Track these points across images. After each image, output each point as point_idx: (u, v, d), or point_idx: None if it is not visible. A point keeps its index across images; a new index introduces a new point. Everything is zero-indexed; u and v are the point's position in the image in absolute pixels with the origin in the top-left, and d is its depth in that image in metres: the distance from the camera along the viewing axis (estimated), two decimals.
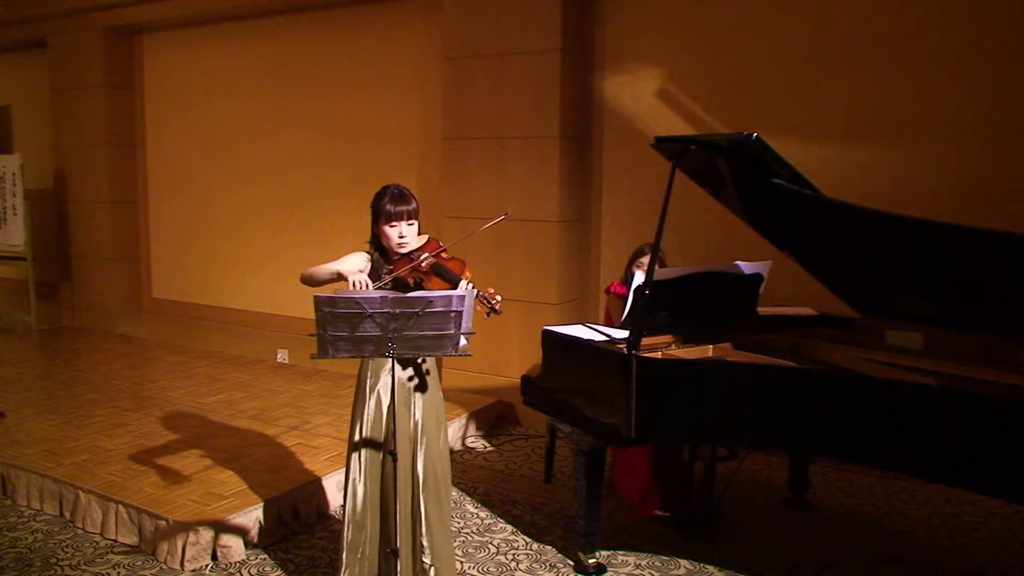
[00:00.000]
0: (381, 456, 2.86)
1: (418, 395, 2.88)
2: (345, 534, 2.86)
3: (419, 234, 2.92)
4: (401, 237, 2.83)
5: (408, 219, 2.84)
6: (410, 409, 2.86)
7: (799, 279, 3.68)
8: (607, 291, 4.21)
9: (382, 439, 2.85)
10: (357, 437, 2.88)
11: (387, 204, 2.83)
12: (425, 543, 2.84)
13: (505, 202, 5.36)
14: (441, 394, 2.99)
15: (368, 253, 2.91)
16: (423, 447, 2.86)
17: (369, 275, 2.82)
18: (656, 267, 3.17)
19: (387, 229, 2.83)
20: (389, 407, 2.80)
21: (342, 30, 6.50)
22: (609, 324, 3.78)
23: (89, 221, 7.95)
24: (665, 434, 3.20)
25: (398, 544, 2.74)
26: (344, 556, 2.86)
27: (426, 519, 2.84)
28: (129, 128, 7.89)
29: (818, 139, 4.64)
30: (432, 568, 2.85)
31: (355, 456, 2.88)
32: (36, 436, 4.65)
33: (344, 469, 2.96)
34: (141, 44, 7.85)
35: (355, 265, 2.85)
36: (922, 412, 2.59)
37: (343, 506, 2.90)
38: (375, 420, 2.86)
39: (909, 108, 4.46)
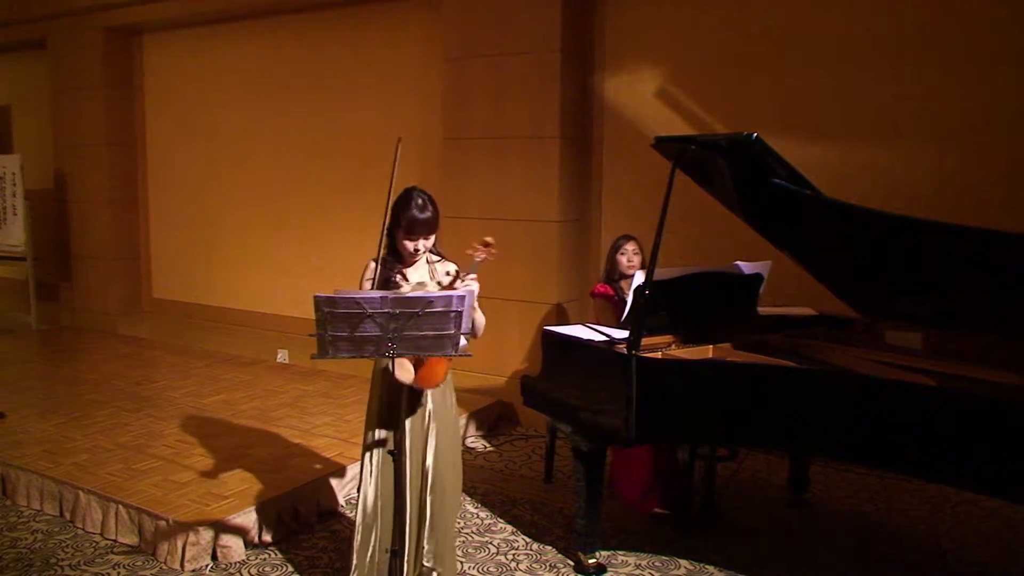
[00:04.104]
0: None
1: (430, 396, 2.87)
2: (356, 535, 2.85)
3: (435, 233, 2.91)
4: (416, 251, 2.85)
5: (427, 235, 2.83)
6: (423, 410, 2.85)
7: (799, 279, 3.68)
8: (592, 295, 4.16)
9: (395, 439, 2.84)
10: (370, 438, 2.87)
11: (409, 218, 2.78)
12: (427, 545, 2.84)
13: (505, 202, 5.36)
14: (455, 398, 2.98)
15: (374, 260, 2.89)
16: (432, 449, 2.86)
17: (379, 274, 2.84)
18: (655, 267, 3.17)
19: (405, 241, 2.83)
20: (400, 407, 2.79)
21: (342, 30, 6.50)
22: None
23: (89, 221, 7.94)
24: (665, 434, 3.19)
25: (403, 544, 2.73)
26: (354, 558, 2.85)
27: (431, 521, 2.84)
28: (129, 128, 7.89)
29: (818, 139, 4.64)
30: (433, 572, 2.85)
31: (367, 457, 2.88)
32: (36, 436, 4.64)
33: (358, 468, 2.95)
34: (141, 44, 7.85)
35: (370, 274, 2.88)
36: (922, 412, 2.59)
37: (355, 506, 2.90)
38: (388, 420, 2.86)
39: (909, 108, 4.46)
